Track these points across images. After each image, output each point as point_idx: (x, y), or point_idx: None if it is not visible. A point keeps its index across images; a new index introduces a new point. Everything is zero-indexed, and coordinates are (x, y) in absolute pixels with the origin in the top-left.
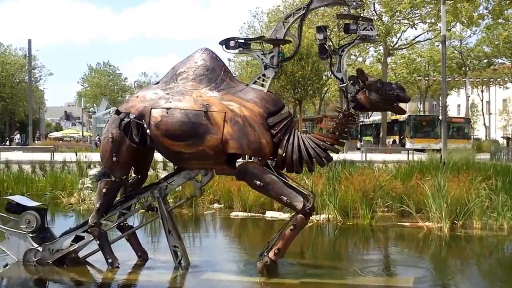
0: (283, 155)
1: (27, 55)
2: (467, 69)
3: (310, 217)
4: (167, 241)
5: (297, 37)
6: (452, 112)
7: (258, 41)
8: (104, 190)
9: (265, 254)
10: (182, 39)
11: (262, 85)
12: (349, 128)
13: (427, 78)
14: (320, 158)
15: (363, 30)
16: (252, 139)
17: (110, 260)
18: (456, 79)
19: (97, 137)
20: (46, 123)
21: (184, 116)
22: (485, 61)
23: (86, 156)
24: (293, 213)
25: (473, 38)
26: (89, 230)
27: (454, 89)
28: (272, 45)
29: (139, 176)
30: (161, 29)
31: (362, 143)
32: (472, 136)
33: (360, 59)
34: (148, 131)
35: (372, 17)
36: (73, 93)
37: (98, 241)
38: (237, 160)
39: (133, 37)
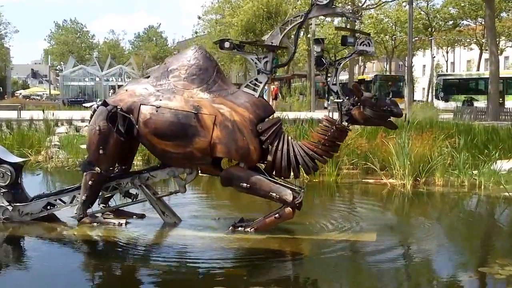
0: (272, 161)
1: None
2: (433, 30)
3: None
4: (164, 222)
5: (293, 45)
6: (417, 73)
7: (253, 44)
8: (90, 183)
9: (241, 225)
10: None
11: (254, 90)
12: (340, 141)
13: (394, 39)
14: (307, 167)
15: (361, 45)
16: (240, 145)
17: (117, 222)
18: (422, 39)
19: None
20: (13, 81)
21: (174, 116)
22: (450, 22)
23: (53, 114)
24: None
25: None
26: (78, 221)
27: (420, 49)
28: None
29: (124, 167)
30: None
31: (329, 102)
32: None
33: (328, 18)
34: (136, 126)
35: None
36: (40, 50)
37: (95, 225)
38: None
39: None
